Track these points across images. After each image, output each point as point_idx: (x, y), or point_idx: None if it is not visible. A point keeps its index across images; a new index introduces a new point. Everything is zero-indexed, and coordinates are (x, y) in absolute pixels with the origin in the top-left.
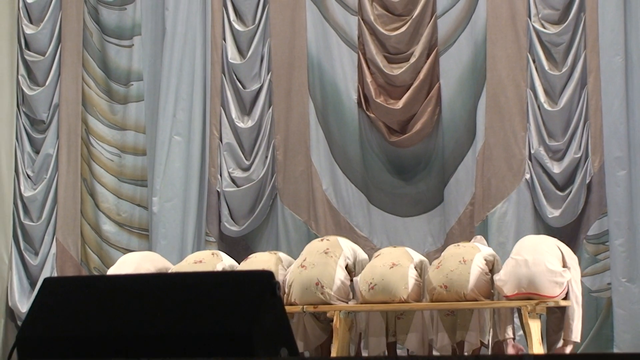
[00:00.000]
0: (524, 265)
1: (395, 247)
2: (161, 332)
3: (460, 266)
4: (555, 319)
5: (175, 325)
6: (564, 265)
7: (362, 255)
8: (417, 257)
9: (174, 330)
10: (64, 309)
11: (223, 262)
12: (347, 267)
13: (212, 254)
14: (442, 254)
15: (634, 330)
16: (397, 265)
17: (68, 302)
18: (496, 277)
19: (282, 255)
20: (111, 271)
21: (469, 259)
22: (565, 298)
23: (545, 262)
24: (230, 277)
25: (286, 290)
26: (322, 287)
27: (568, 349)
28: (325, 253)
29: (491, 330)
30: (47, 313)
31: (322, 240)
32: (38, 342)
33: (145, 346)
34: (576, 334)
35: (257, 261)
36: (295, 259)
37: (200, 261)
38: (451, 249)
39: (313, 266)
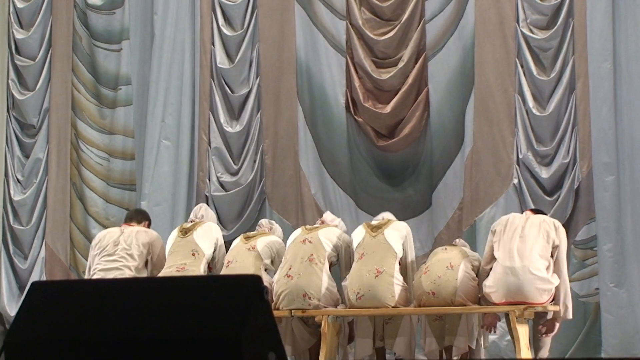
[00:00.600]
0: (512, 273)
1: (375, 235)
2: (149, 336)
3: (447, 272)
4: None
5: (163, 329)
6: (552, 253)
7: (346, 241)
8: (398, 245)
9: (162, 334)
10: (52, 313)
11: (205, 255)
12: (331, 265)
13: (193, 253)
14: (430, 257)
15: (622, 335)
16: (382, 273)
17: (56, 306)
18: (485, 283)
19: (260, 248)
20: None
21: (456, 264)
22: (553, 301)
23: (533, 269)
24: (218, 281)
25: (274, 299)
26: (310, 298)
27: (557, 326)
28: (310, 260)
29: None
30: (35, 317)
31: (304, 241)
32: (25, 346)
33: (133, 350)
34: (565, 312)
35: (239, 268)
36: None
37: (183, 268)
38: (439, 252)
39: (299, 276)
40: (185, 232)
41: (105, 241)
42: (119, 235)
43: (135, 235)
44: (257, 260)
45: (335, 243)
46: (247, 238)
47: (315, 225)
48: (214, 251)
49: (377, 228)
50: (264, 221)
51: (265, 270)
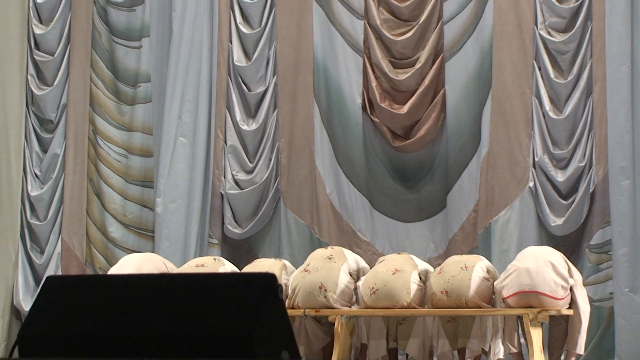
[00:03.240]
0: (526, 273)
1: (400, 253)
2: (163, 332)
3: (461, 272)
4: (561, 330)
5: (177, 326)
6: (570, 276)
7: (365, 265)
8: (422, 265)
9: (175, 331)
10: (66, 308)
11: (225, 266)
12: (350, 275)
13: (215, 259)
14: (445, 261)
15: (636, 340)
16: (399, 271)
17: (70, 300)
18: (496, 283)
19: (287, 263)
20: (112, 271)
21: (471, 265)
22: (570, 307)
23: (547, 268)
24: (232, 279)
25: (289, 293)
26: (326, 290)
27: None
28: (329, 259)
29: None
30: (49, 311)
31: (326, 248)
32: (39, 340)
33: (146, 346)
34: (580, 346)
35: (262, 265)
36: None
37: (203, 265)
38: (454, 257)
39: (317, 270)
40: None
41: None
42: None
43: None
44: (281, 265)
45: (358, 262)
46: None
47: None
48: None
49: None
50: None
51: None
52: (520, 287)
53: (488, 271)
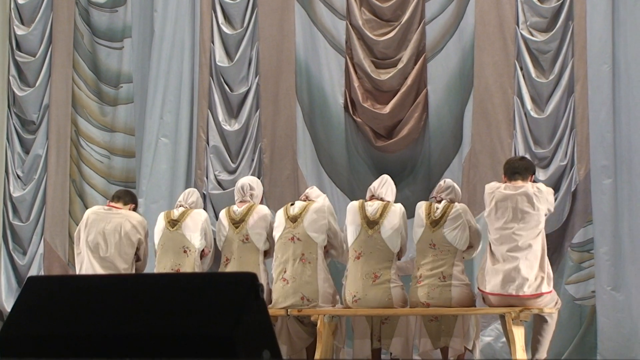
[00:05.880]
0: (510, 282)
1: (371, 233)
2: (144, 332)
3: (440, 285)
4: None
5: (158, 326)
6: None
7: (331, 214)
8: (396, 242)
9: (156, 331)
10: (48, 308)
11: (197, 250)
12: (326, 247)
13: (184, 250)
14: (421, 262)
15: (618, 338)
16: (379, 278)
17: (52, 301)
18: (479, 279)
19: (252, 235)
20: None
21: (448, 273)
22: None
23: (529, 279)
24: (213, 279)
25: (272, 301)
26: (309, 300)
27: None
28: (302, 261)
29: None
30: (31, 312)
31: (292, 239)
32: (20, 341)
33: (128, 346)
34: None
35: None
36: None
37: (178, 270)
38: (428, 253)
39: (294, 280)
40: (173, 224)
41: (93, 234)
42: (103, 227)
43: (123, 236)
44: (255, 254)
45: (324, 229)
46: (236, 225)
47: (296, 212)
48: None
49: (374, 224)
50: (242, 188)
51: (265, 256)
52: (501, 291)
53: (463, 272)
